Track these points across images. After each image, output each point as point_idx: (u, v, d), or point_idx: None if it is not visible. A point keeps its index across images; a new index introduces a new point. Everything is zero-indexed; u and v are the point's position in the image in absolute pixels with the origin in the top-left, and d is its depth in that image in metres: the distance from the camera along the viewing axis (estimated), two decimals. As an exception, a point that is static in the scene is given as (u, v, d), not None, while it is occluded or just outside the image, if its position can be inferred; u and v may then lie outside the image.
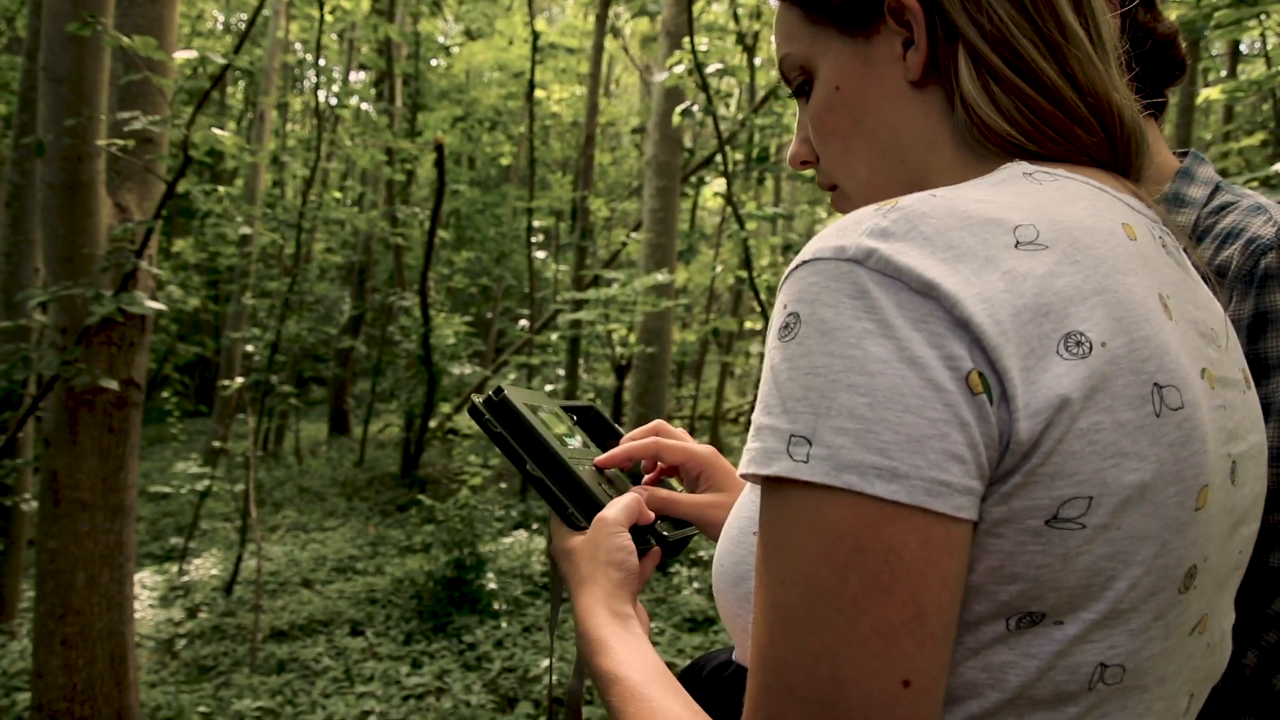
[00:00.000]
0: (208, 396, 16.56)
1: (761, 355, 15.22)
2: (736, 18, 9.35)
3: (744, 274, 10.89)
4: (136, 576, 4.04)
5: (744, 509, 0.81)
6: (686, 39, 6.80)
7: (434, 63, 16.47)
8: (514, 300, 17.50)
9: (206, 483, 7.97)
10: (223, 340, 12.70)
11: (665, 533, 1.02)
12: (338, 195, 14.30)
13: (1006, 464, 0.60)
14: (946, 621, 0.59)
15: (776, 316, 0.65)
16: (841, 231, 0.64)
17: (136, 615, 4.14)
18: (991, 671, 0.64)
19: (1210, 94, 4.29)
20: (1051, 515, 0.60)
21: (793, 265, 0.65)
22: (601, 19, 10.47)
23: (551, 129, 18.26)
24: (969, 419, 0.58)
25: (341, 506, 10.40)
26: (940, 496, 0.58)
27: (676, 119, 7.14)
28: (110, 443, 3.87)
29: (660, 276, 8.00)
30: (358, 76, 15.83)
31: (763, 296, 7.33)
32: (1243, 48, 11.23)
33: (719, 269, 12.61)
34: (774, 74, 12.89)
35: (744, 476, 0.65)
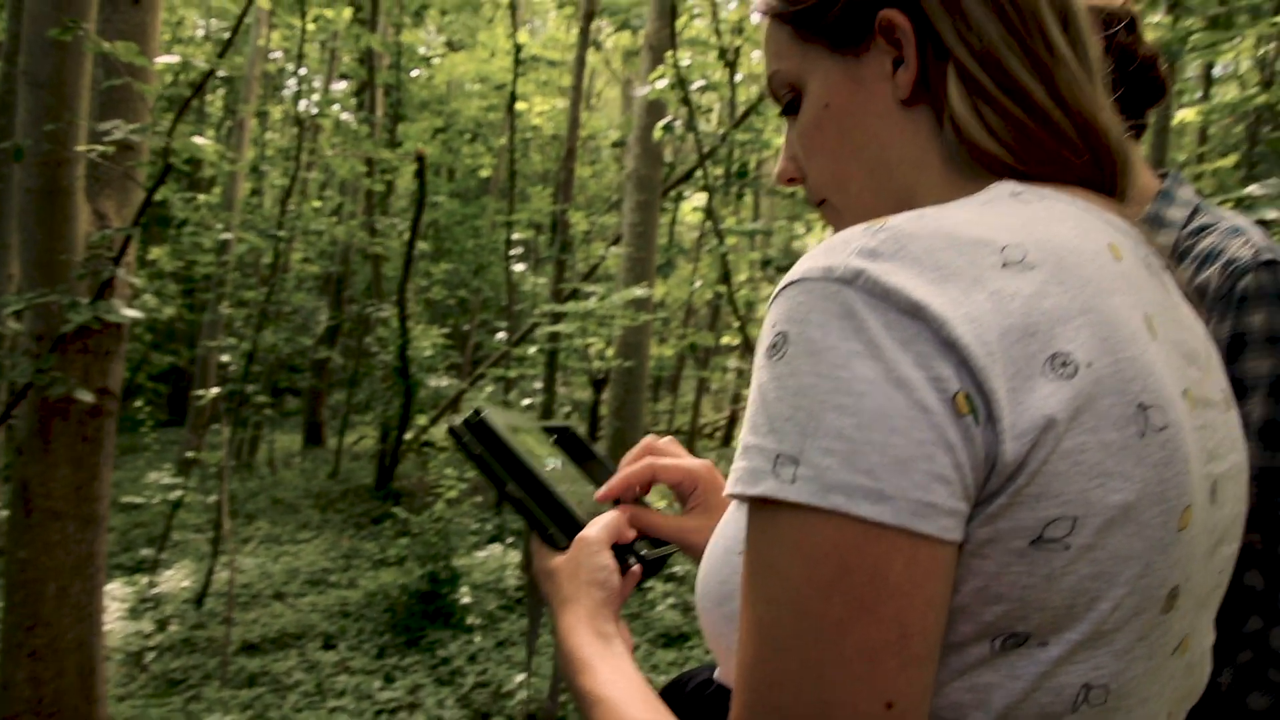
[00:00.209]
0: (180, 406, 16.41)
1: (739, 370, 15.26)
2: (719, 33, 9.39)
3: (722, 289, 10.91)
4: (106, 588, 3.97)
5: (729, 528, 0.80)
6: (669, 53, 6.82)
7: (415, 73, 16.46)
8: (491, 312, 17.46)
9: (179, 493, 7.90)
10: (198, 349, 12.60)
11: (644, 552, 1.02)
12: (317, 205, 14.24)
13: (992, 485, 0.60)
14: (930, 643, 0.60)
15: (764, 336, 0.65)
16: (830, 251, 0.64)
17: (105, 627, 4.09)
18: (976, 693, 0.64)
19: (1186, 115, 4.35)
20: (1036, 536, 0.61)
21: (781, 285, 0.65)
22: (584, 32, 10.49)
23: (532, 141, 18.28)
24: (955, 441, 0.59)
25: (315, 518, 10.33)
26: (926, 518, 0.58)
27: (658, 134, 7.16)
28: (84, 452, 3.83)
29: (639, 291, 8.00)
30: (339, 86, 15.80)
31: (741, 312, 7.34)
32: (1216, 70, 11.37)
33: (697, 284, 12.63)
34: (755, 90, 12.96)
35: (730, 496, 0.65)
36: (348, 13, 12.43)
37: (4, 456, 5.82)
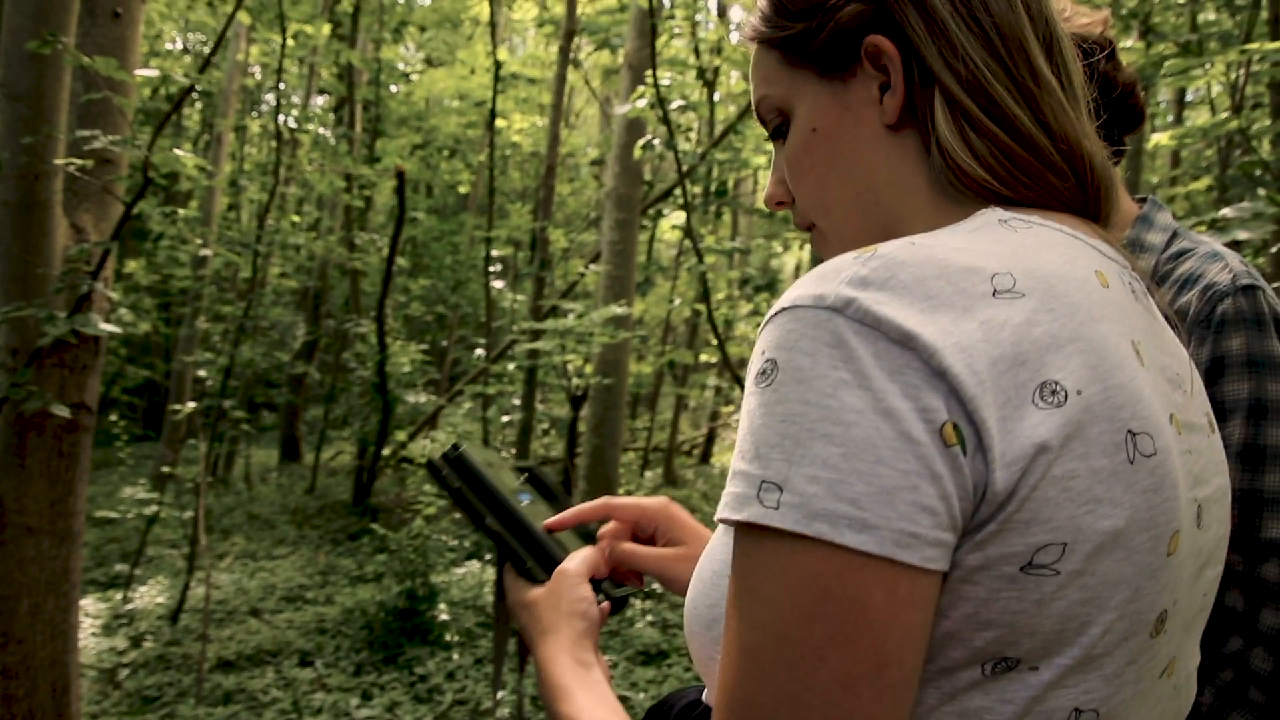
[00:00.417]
0: (155, 420, 16.29)
1: (717, 388, 15.27)
2: (698, 53, 9.44)
3: (700, 307, 10.93)
4: (79, 604, 3.94)
5: (716, 552, 0.81)
6: (649, 73, 6.86)
7: (394, 89, 16.46)
8: (469, 329, 17.43)
9: (154, 508, 7.82)
10: (173, 364, 12.52)
11: (608, 590, 1.04)
12: (296, 219, 14.19)
13: (982, 513, 0.61)
14: (907, 672, 0.60)
15: (754, 362, 0.66)
16: (821, 279, 0.64)
17: (79, 644, 4.05)
18: (967, 717, 0.64)
19: (1160, 139, 4.40)
20: (1026, 561, 0.61)
21: (772, 311, 0.66)
22: (564, 50, 10.53)
23: (511, 158, 18.29)
24: (942, 471, 0.59)
25: (292, 534, 10.25)
26: (909, 548, 0.59)
27: (637, 152, 7.19)
28: (59, 467, 3.79)
29: (618, 308, 8.01)
30: (318, 101, 15.76)
31: (720, 330, 7.36)
32: (1189, 95, 11.52)
33: (676, 301, 12.65)
34: (733, 109, 13.02)
35: (718, 520, 0.66)
36: (327, 28, 12.43)
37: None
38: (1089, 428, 0.62)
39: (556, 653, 0.90)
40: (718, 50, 10.23)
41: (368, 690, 5.90)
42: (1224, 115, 6.73)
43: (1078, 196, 0.77)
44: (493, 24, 10.42)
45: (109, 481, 12.03)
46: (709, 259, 9.33)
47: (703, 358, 13.96)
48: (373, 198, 15.27)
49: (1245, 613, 1.16)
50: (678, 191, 9.47)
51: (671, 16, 9.47)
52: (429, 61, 17.63)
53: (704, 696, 0.92)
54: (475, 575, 8.11)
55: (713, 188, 11.86)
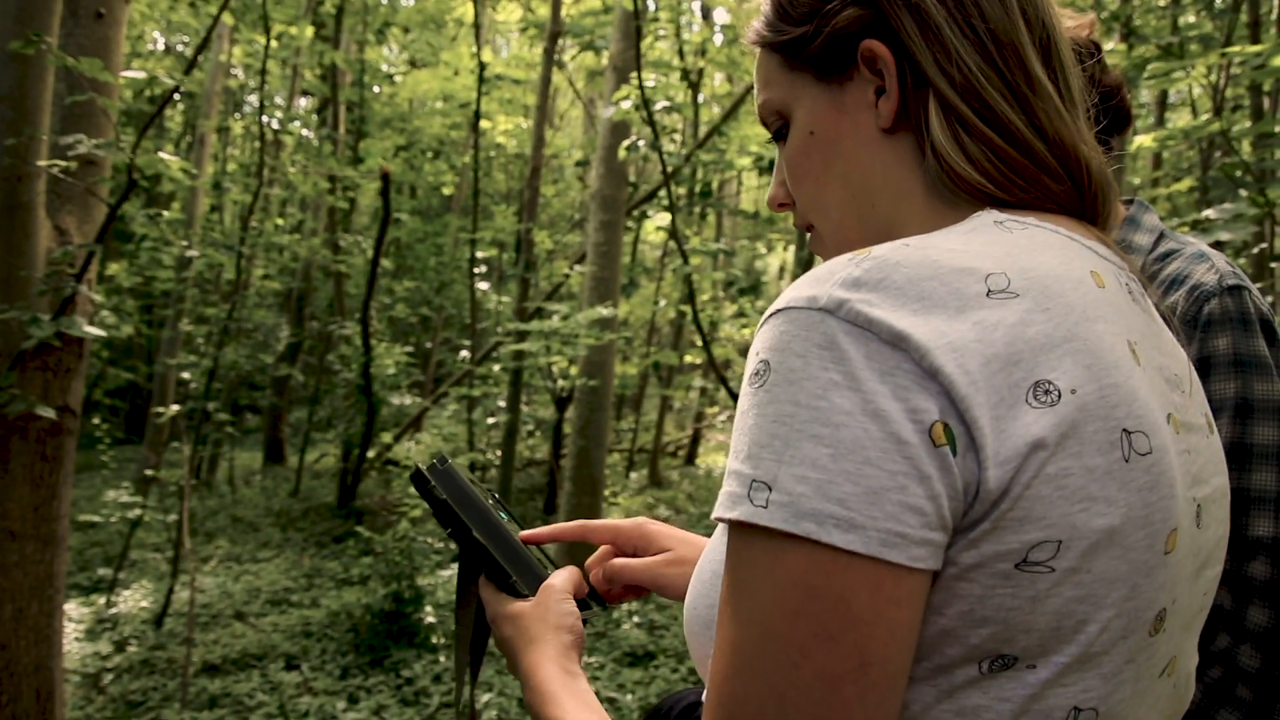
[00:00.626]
0: (138, 424, 16.20)
1: (702, 389, 15.29)
2: (682, 55, 9.45)
3: (685, 308, 10.95)
4: (63, 608, 3.93)
5: (715, 552, 0.82)
6: (633, 74, 6.86)
7: (378, 90, 16.41)
8: (454, 330, 17.40)
9: (138, 512, 7.78)
10: (156, 366, 12.45)
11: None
12: (280, 221, 14.14)
13: (975, 512, 0.61)
14: (891, 671, 0.61)
15: (749, 363, 0.66)
16: (815, 281, 0.65)
17: (63, 649, 4.03)
18: (965, 715, 0.65)
19: (1143, 141, 4.43)
20: (1021, 559, 0.62)
21: (767, 313, 0.67)
22: (549, 52, 10.52)
23: (495, 160, 18.26)
24: (930, 472, 0.60)
25: (276, 537, 10.21)
26: (896, 548, 0.59)
27: (622, 153, 7.20)
28: (43, 471, 3.77)
29: (603, 310, 8.01)
30: (301, 102, 15.72)
31: (705, 331, 7.37)
32: (1170, 97, 11.60)
33: (661, 303, 12.66)
34: (718, 111, 13.04)
35: (714, 519, 0.67)
36: (311, 29, 12.39)
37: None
38: (1083, 426, 0.63)
39: (544, 660, 0.92)
40: (702, 52, 10.24)
41: (354, 693, 5.89)
42: (1205, 117, 6.78)
43: (1074, 199, 0.78)
44: (477, 25, 10.40)
45: (92, 485, 11.97)
46: (694, 260, 9.34)
47: (688, 359, 13.95)
48: (357, 199, 15.23)
49: (1233, 610, 1.17)
50: (662, 193, 9.49)
51: (656, 18, 9.47)
52: (413, 63, 17.58)
53: (703, 697, 0.92)
54: (461, 578, 8.08)
55: (697, 189, 11.88)
